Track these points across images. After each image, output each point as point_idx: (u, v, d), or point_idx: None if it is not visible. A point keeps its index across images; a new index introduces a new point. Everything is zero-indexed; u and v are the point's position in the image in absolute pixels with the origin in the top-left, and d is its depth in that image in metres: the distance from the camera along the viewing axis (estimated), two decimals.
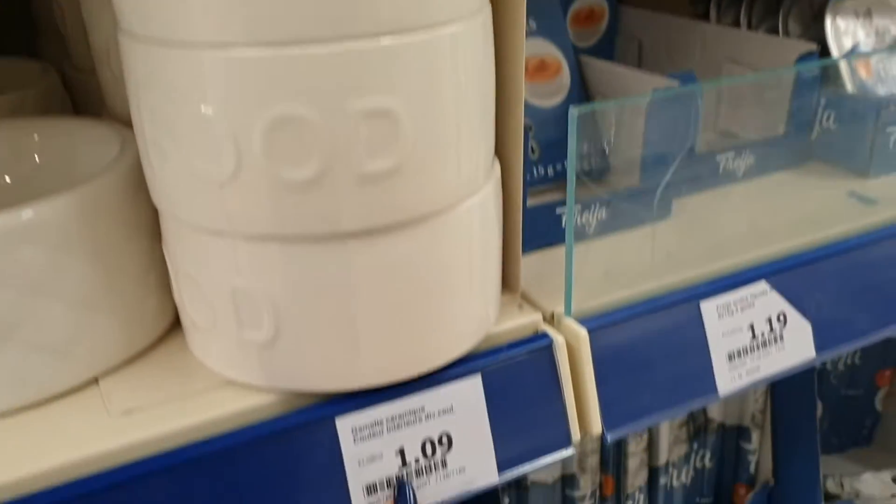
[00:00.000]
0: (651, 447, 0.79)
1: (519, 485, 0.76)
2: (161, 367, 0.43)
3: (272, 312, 0.37)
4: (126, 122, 0.51)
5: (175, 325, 0.45)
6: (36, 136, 0.49)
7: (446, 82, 0.36)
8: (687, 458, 0.83)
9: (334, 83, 0.33)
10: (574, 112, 0.41)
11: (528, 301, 0.48)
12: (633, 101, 0.52)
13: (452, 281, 0.40)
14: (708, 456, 0.85)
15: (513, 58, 0.41)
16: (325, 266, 0.36)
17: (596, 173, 0.56)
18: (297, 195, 0.35)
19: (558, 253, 0.53)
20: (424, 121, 0.35)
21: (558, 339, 0.45)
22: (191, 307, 0.40)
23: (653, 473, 0.80)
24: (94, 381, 0.42)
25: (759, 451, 0.84)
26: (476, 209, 0.40)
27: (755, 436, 0.84)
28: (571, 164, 0.43)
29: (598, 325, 0.46)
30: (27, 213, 0.37)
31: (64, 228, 0.39)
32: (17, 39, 0.81)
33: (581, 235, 0.53)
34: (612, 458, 0.78)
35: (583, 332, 0.45)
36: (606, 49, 0.79)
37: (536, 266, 0.52)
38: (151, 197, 0.40)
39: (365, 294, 0.37)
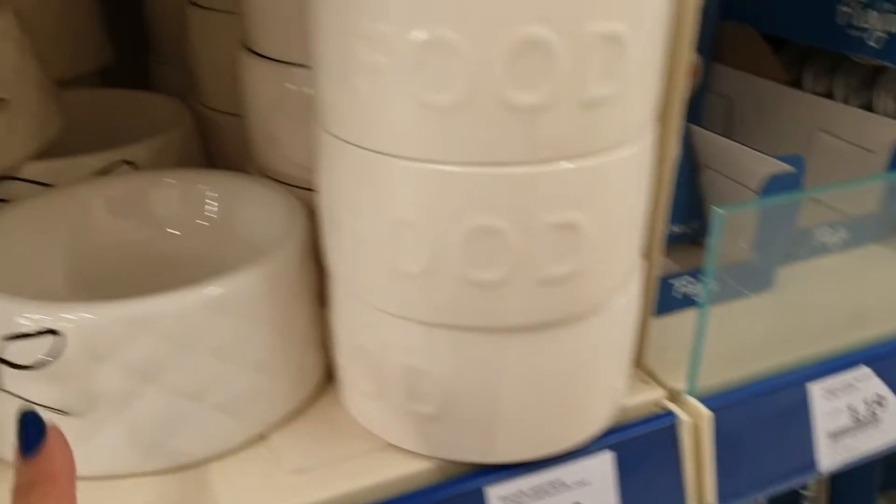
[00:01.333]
0: None
1: None
2: (321, 423, 0.46)
3: (440, 391, 0.41)
4: (275, 177, 0.54)
5: (325, 377, 0.49)
6: (203, 188, 0.53)
7: (621, 195, 0.39)
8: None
9: (525, 199, 0.36)
10: (720, 213, 0.44)
11: (647, 373, 0.51)
12: (773, 201, 0.55)
13: (601, 369, 0.43)
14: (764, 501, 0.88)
15: (665, 164, 0.44)
16: (491, 355, 0.40)
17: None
18: (480, 294, 0.38)
19: (669, 322, 0.56)
20: (601, 230, 0.38)
21: (683, 419, 0.48)
22: (357, 374, 0.44)
23: None
24: (260, 436, 0.45)
25: (817, 500, 0.87)
26: (627, 303, 0.43)
27: (812, 482, 0.87)
28: (711, 262, 0.46)
29: (718, 404, 0.49)
30: (217, 290, 0.41)
31: (250, 300, 0.42)
32: (126, 58, 0.85)
33: (689, 305, 0.56)
34: None
35: (707, 413, 0.48)
36: (697, 104, 0.82)
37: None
38: (330, 273, 0.43)
39: (525, 380, 0.41)
